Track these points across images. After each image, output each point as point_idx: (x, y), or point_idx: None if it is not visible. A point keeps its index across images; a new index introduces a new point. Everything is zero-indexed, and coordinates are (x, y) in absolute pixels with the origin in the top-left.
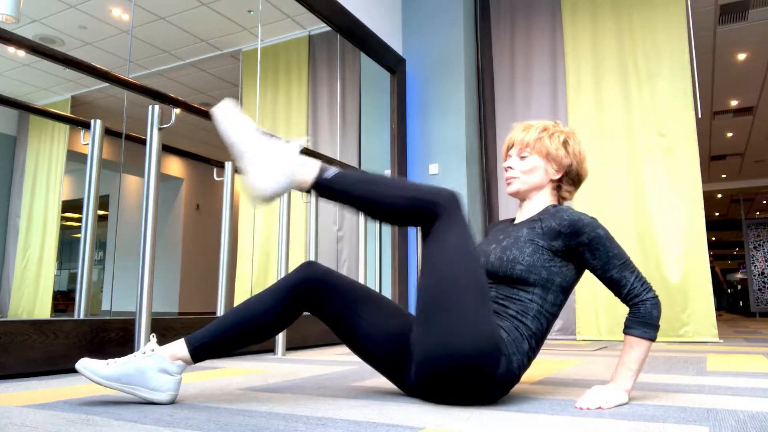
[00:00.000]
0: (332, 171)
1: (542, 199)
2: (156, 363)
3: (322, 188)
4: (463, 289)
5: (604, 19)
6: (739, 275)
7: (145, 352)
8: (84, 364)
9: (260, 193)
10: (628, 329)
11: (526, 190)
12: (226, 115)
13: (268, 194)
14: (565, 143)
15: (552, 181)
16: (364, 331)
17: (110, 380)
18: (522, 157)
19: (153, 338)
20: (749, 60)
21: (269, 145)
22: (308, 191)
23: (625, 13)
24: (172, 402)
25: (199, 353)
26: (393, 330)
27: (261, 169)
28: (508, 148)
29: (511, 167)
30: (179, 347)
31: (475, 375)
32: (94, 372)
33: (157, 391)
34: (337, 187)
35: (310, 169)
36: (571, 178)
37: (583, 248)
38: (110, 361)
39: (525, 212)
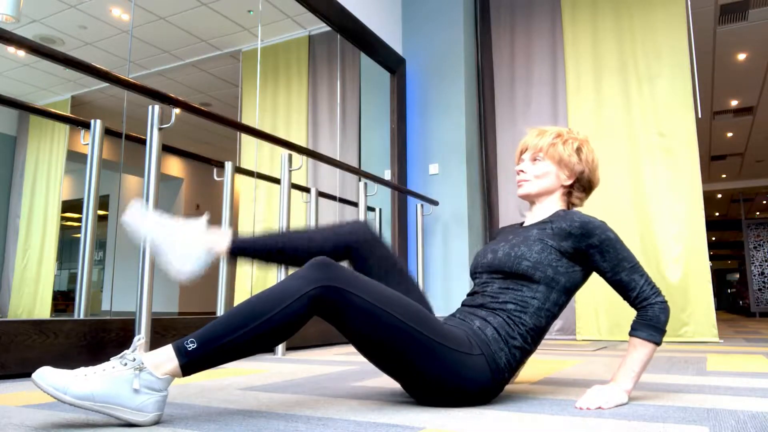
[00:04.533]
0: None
1: (552, 204)
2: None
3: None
4: (408, 337)
5: (604, 19)
6: (739, 275)
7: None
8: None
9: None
10: (634, 331)
11: (536, 193)
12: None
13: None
14: (578, 150)
15: (563, 186)
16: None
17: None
18: (534, 161)
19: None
20: (749, 60)
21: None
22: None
23: (625, 13)
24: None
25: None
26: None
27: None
28: (522, 152)
29: (523, 170)
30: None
31: (463, 393)
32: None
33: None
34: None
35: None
36: (582, 185)
37: (593, 250)
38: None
39: (535, 215)
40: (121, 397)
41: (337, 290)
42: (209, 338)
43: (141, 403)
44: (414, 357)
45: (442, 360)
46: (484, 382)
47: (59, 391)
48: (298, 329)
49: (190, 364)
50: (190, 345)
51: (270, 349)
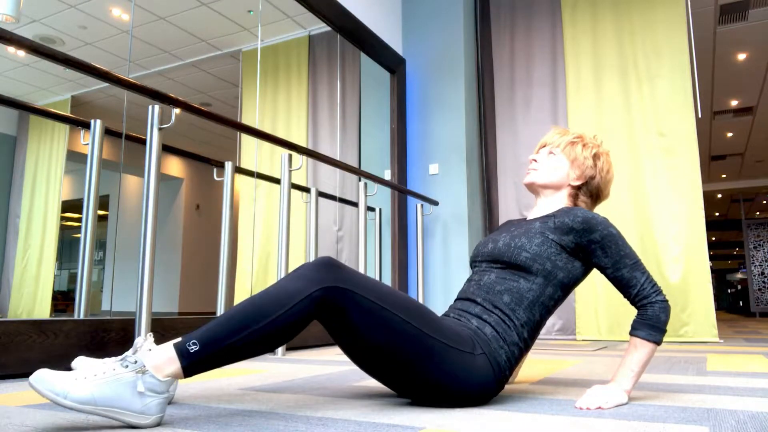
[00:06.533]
0: (191, 337)
1: (558, 201)
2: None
3: (199, 363)
4: (414, 339)
5: (604, 19)
6: (739, 275)
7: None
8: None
9: (152, 423)
10: (634, 330)
11: (541, 184)
12: (47, 383)
13: (155, 420)
14: (595, 156)
15: (571, 186)
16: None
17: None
18: (550, 153)
19: (148, 338)
20: (749, 60)
21: (115, 382)
22: (186, 375)
23: (625, 13)
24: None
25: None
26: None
27: (131, 411)
28: (540, 147)
29: (535, 160)
30: (168, 359)
31: (466, 399)
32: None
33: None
34: (213, 350)
35: (170, 360)
36: (590, 190)
37: (594, 246)
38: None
39: (539, 209)
40: (124, 401)
41: (342, 291)
42: (211, 340)
43: (144, 406)
44: (418, 360)
45: (447, 362)
46: (487, 382)
47: (59, 395)
48: (299, 332)
49: (191, 366)
50: (192, 347)
51: (272, 350)
